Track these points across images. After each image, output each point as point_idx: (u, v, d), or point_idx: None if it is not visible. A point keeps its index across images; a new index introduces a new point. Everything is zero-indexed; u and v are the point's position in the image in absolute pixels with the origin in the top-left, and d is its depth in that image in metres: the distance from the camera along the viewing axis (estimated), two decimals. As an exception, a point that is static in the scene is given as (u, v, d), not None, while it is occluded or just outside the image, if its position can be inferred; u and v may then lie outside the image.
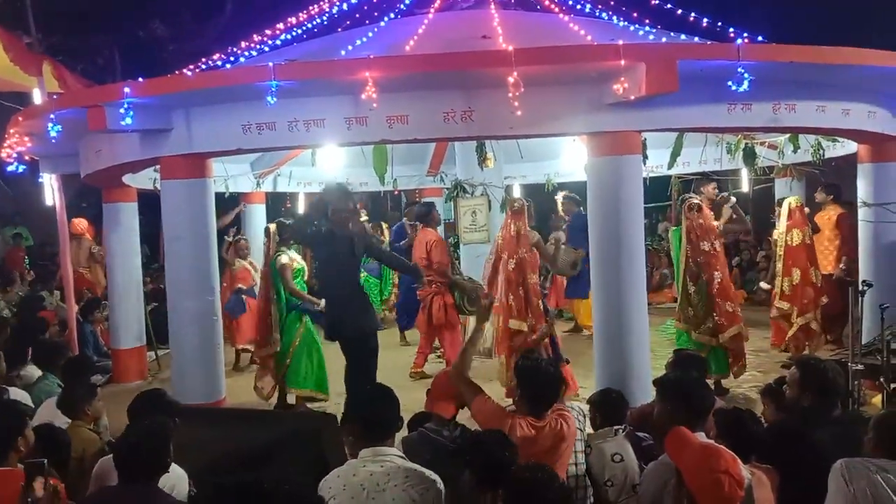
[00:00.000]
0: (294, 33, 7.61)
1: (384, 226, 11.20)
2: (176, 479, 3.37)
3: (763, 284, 7.04)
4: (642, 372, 5.52)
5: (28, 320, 8.15)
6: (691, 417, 3.18)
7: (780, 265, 7.40)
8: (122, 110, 5.34)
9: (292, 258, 6.66)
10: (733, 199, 7.57)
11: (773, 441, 3.29)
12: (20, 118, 6.89)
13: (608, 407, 3.94)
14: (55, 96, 7.73)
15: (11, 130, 7.03)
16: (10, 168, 7.53)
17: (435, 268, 7.25)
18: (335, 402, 6.36)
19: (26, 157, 7.66)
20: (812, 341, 7.38)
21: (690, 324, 6.56)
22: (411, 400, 4.14)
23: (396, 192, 12.38)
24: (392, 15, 7.89)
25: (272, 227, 6.84)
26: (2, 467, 3.17)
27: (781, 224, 7.43)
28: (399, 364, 7.85)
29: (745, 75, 4.97)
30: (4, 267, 12.49)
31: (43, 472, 2.71)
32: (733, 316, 6.42)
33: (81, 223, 10.67)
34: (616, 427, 3.82)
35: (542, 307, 6.36)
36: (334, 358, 6.83)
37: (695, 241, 6.50)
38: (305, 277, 6.86)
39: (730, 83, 5.02)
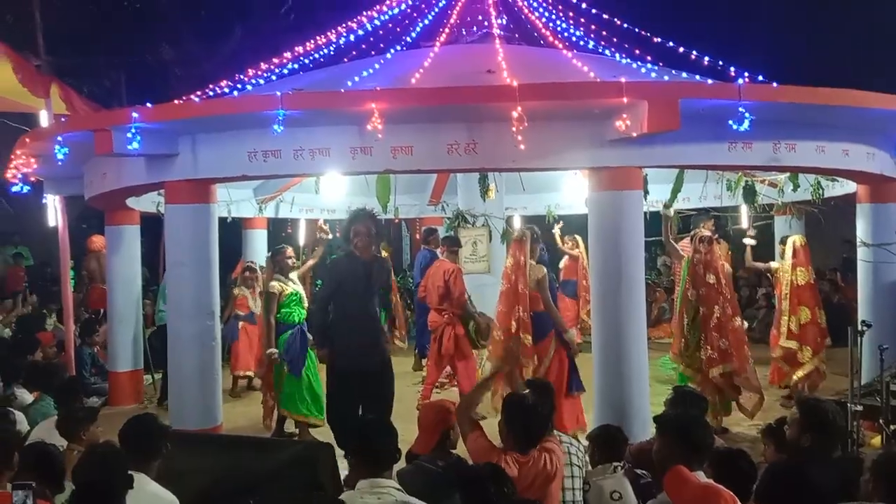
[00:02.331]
0: (300, 62, 7.69)
1: (386, 253, 11.21)
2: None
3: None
4: (641, 408, 5.51)
5: (22, 340, 8.13)
6: (691, 456, 3.18)
7: (785, 304, 7.34)
8: (129, 135, 5.38)
9: (284, 286, 6.55)
10: (752, 241, 7.65)
11: (772, 481, 3.28)
12: (27, 139, 6.95)
13: (607, 443, 3.93)
14: (62, 118, 7.81)
15: (18, 151, 7.08)
16: (15, 188, 7.58)
17: (455, 298, 7.16)
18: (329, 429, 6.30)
19: (32, 178, 7.70)
20: (819, 382, 7.33)
21: (682, 357, 6.57)
22: (415, 431, 4.12)
23: (397, 221, 12.42)
24: (398, 47, 7.99)
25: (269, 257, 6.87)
26: (-4, 490, 3.15)
27: (786, 262, 7.40)
28: (407, 394, 7.82)
29: (746, 115, 5.03)
30: (5, 286, 12.48)
31: (30, 492, 2.69)
32: (725, 354, 6.36)
33: (101, 240, 10.69)
34: (615, 464, 3.81)
35: (528, 343, 6.28)
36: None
37: (701, 273, 6.52)
38: (305, 304, 6.81)
39: (731, 122, 5.08)
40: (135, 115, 5.40)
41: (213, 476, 4.01)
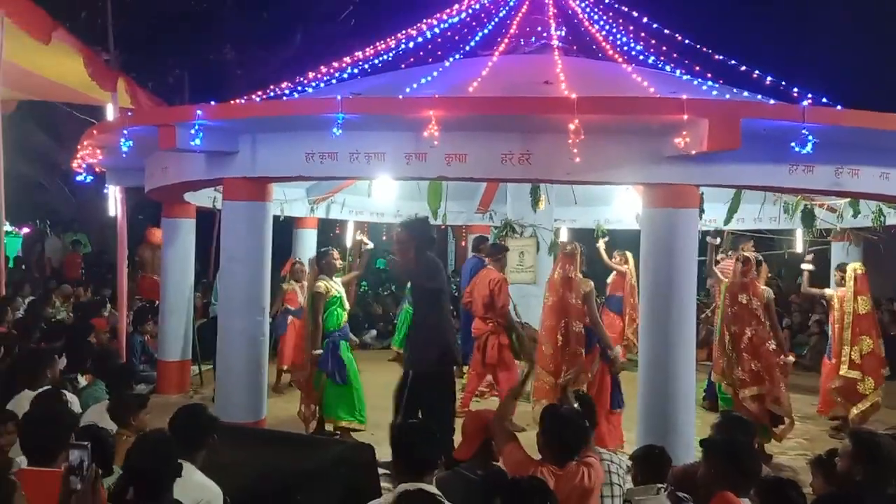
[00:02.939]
0: (360, 67, 7.79)
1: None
2: (212, 496, 3.41)
3: (789, 358, 6.76)
4: (686, 429, 5.42)
5: (78, 325, 8.35)
6: (738, 482, 3.12)
7: (847, 333, 7.15)
8: (192, 131, 5.52)
9: (329, 287, 6.61)
10: (810, 266, 7.51)
11: (821, 514, 3.21)
12: (94, 131, 7.17)
13: (651, 463, 3.87)
14: (128, 112, 8.06)
15: (85, 142, 7.32)
16: (80, 178, 7.85)
17: (498, 309, 7.15)
18: (370, 433, 6.36)
19: (96, 169, 7.96)
20: (873, 413, 7.13)
21: (723, 376, 6.48)
22: (455, 438, 4.13)
23: (443, 227, 12.48)
24: (457, 55, 8.04)
25: (312, 257, 6.95)
26: (46, 468, 3.24)
27: (847, 290, 7.21)
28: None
29: (810, 137, 4.93)
30: (62, 272, 12.89)
31: (87, 451, 2.77)
32: (757, 376, 6.24)
33: (159, 233, 10.99)
34: (658, 485, 3.75)
35: (581, 355, 6.28)
36: (372, 387, 6.89)
37: (734, 292, 6.45)
38: (347, 306, 6.85)
39: (793, 144, 4.98)
40: (199, 112, 5.53)
41: (256, 470, 4.08)
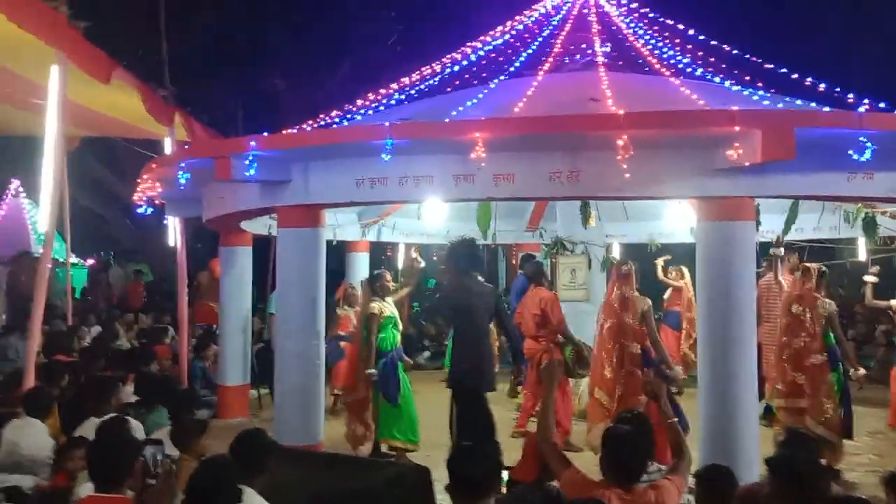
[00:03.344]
0: (406, 93, 7.89)
1: (480, 278, 11.24)
2: (268, 517, 3.46)
3: (860, 371, 6.50)
4: (748, 447, 5.28)
5: (140, 351, 8.58)
6: (804, 502, 3.02)
7: None
8: (246, 162, 5.69)
9: (383, 308, 6.68)
10: (874, 278, 7.30)
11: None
12: (154, 165, 7.43)
13: (716, 485, 3.76)
14: (185, 145, 8.32)
15: (145, 176, 7.58)
16: (140, 210, 8.12)
17: (555, 326, 7.13)
18: (426, 454, 6.36)
19: (156, 201, 8.22)
20: None
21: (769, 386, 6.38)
22: (510, 459, 4.10)
23: (493, 246, 12.48)
24: (502, 77, 8.07)
25: (365, 278, 7.04)
26: (117, 494, 3.33)
27: None
28: (502, 420, 7.79)
29: (868, 144, 4.81)
30: (126, 301, 13.32)
31: (160, 448, 2.85)
32: (796, 388, 6.07)
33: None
34: None
35: (637, 375, 6.18)
36: (428, 407, 6.90)
37: (789, 301, 6.35)
38: (400, 327, 6.92)
39: (850, 152, 4.86)
40: (252, 143, 5.69)
41: (312, 493, 4.12)
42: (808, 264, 6.53)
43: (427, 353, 12.05)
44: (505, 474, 3.93)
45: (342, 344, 8.55)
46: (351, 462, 5.44)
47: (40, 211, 6.89)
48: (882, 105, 6.07)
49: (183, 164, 6.37)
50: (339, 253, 10.38)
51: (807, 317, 6.19)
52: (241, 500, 3.14)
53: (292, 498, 3.87)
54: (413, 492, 4.16)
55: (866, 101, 6.05)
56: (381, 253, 12.13)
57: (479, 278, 6.13)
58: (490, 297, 6.09)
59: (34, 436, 4.89)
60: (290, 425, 6.11)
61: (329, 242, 8.77)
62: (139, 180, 7.77)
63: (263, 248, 10.80)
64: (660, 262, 9.87)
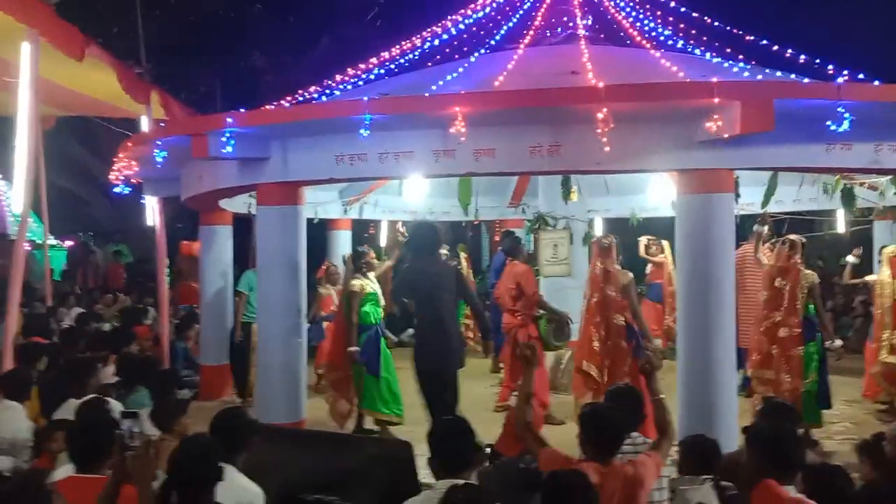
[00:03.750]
0: (387, 67, 7.81)
1: (463, 254, 11.26)
2: (252, 496, 3.45)
3: (836, 342, 6.60)
4: (727, 417, 5.34)
5: (119, 332, 8.50)
6: (782, 470, 3.06)
7: (888, 317, 6.98)
8: (223, 139, 5.61)
9: (364, 285, 6.70)
10: (856, 259, 7.35)
11: (868, 501, 3.13)
12: (129, 143, 7.32)
13: (701, 455, 3.79)
14: (161, 123, 8.20)
15: (121, 155, 7.47)
16: (117, 190, 8.01)
17: (529, 297, 7.13)
18: (409, 429, 6.39)
19: (133, 180, 8.12)
20: None
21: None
22: (493, 433, 4.13)
23: (476, 223, 12.48)
24: (483, 50, 8.01)
25: (347, 255, 7.02)
26: (95, 475, 3.31)
27: (883, 273, 7.06)
28: (485, 395, 7.87)
29: (846, 115, 4.81)
30: (107, 282, 13.20)
31: (137, 420, 2.85)
32: (770, 359, 6.18)
33: (192, 245, 11.20)
34: (705, 477, 3.70)
35: (623, 347, 6.26)
36: (410, 384, 6.92)
37: (773, 275, 6.39)
38: (382, 303, 6.93)
39: (829, 123, 4.87)
40: (229, 120, 5.61)
41: (296, 471, 4.11)
42: (792, 237, 6.55)
43: (410, 331, 12.03)
44: (487, 449, 3.97)
45: (325, 324, 8.55)
46: (333, 439, 5.43)
47: (14, 192, 6.77)
48: (861, 76, 6.09)
49: (160, 143, 6.28)
50: (320, 231, 10.32)
51: (786, 290, 6.24)
52: (223, 479, 3.13)
53: (275, 476, 3.86)
54: (396, 467, 4.16)
55: (845, 72, 6.06)
56: (363, 230, 12.07)
57: (440, 258, 6.12)
58: (451, 275, 6.01)
59: (13, 419, 4.85)
60: (272, 403, 6.11)
61: (310, 221, 8.74)
62: (115, 159, 7.66)
63: (245, 227, 10.73)
64: (642, 240, 9.91)
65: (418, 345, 5.97)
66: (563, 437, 5.85)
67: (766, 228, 6.97)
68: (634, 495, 3.38)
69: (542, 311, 7.12)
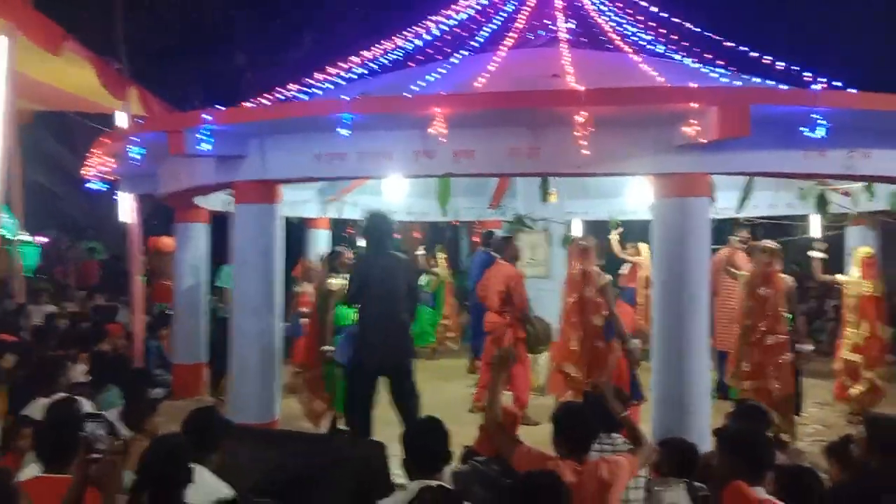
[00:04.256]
0: (368, 67, 7.78)
1: (442, 255, 11.25)
2: (222, 496, 3.42)
3: (807, 346, 6.72)
4: (701, 419, 5.37)
5: (91, 330, 8.39)
6: (752, 472, 3.09)
7: (853, 316, 7.14)
8: (201, 136, 5.56)
9: (340, 285, 6.67)
10: (821, 254, 7.43)
11: (837, 502, 3.17)
12: (106, 139, 7.23)
13: (680, 458, 3.82)
14: (139, 120, 8.12)
15: (97, 151, 7.38)
16: (91, 185, 7.91)
17: (517, 305, 7.11)
18: (381, 430, 6.35)
19: (110, 177, 8.02)
20: (877, 399, 7.08)
21: (729, 367, 6.47)
22: (469, 434, 4.12)
23: (455, 223, 12.49)
24: (464, 52, 8.00)
25: (323, 254, 6.99)
26: (62, 475, 3.26)
27: (853, 273, 7.20)
28: (461, 396, 7.87)
29: (821, 122, 4.87)
30: (80, 279, 13.02)
31: (102, 424, 2.82)
32: (761, 369, 6.18)
33: (171, 242, 11.07)
34: (683, 480, 3.73)
35: (601, 348, 6.29)
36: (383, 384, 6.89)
37: (757, 284, 6.34)
38: None
39: (804, 129, 4.92)
40: (206, 117, 5.56)
41: (267, 470, 4.09)
42: (769, 244, 6.60)
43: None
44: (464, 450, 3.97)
45: (302, 321, 8.49)
46: (306, 439, 5.42)
47: (-13, 186, 6.67)
48: (837, 84, 6.17)
49: (136, 139, 6.21)
50: (299, 230, 10.27)
51: (770, 297, 6.27)
52: (193, 480, 3.10)
53: (247, 476, 3.84)
54: (369, 467, 4.15)
55: (822, 79, 6.14)
56: (341, 230, 12.02)
57: (393, 250, 6.02)
58: (402, 270, 5.91)
59: (-19, 416, 4.78)
60: (246, 403, 6.05)
61: (289, 220, 8.69)
62: (90, 155, 7.57)
63: (221, 225, 10.64)
64: (614, 235, 9.95)
65: (358, 337, 5.89)
66: (540, 438, 5.91)
67: (737, 239, 7.04)
68: (607, 494, 3.40)
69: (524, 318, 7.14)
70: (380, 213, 6.13)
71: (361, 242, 6.10)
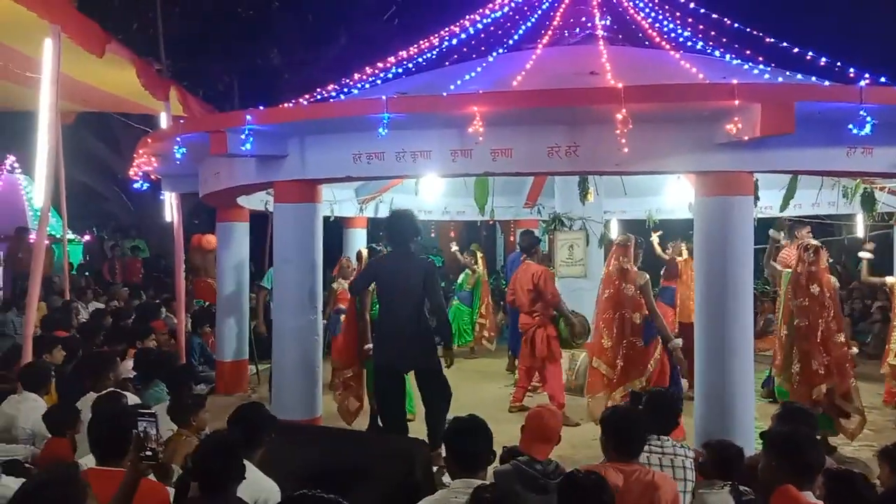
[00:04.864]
0: (404, 66, 7.82)
1: (479, 253, 11.25)
2: (268, 492, 3.47)
3: (853, 349, 6.54)
4: (745, 420, 5.31)
5: (137, 327, 8.55)
6: (800, 476, 3.05)
7: None
8: (242, 136, 5.62)
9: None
10: (869, 254, 7.26)
11: (889, 508, 3.10)
12: (149, 140, 7.37)
13: (727, 461, 3.76)
14: (180, 120, 8.25)
15: (140, 151, 7.52)
16: (136, 185, 8.08)
17: (549, 299, 7.12)
18: (422, 426, 6.37)
19: (152, 177, 8.17)
20: None
21: (781, 371, 6.29)
22: (508, 433, 4.12)
23: (491, 223, 12.48)
24: (501, 50, 7.99)
25: (363, 251, 7.02)
26: (116, 468, 3.33)
27: None
28: (499, 396, 7.88)
29: (868, 118, 4.77)
30: (124, 277, 13.29)
31: (154, 421, 2.91)
32: (829, 370, 5.98)
33: (206, 238, 11.27)
34: (726, 483, 3.68)
35: (639, 346, 6.26)
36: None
37: (804, 283, 6.20)
38: None
39: (850, 126, 4.82)
40: (248, 117, 5.63)
41: (312, 467, 4.14)
42: (814, 242, 6.46)
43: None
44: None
45: (342, 317, 8.55)
46: (350, 437, 5.46)
47: (35, 186, 6.84)
48: (882, 80, 6.02)
49: (178, 139, 6.31)
50: (336, 229, 10.35)
51: (825, 295, 6.12)
52: (245, 478, 3.15)
53: (291, 472, 3.89)
54: (412, 466, 4.18)
55: (867, 75, 6.00)
56: (378, 229, 12.10)
57: (414, 252, 6.03)
58: (417, 271, 5.81)
59: (32, 410, 4.91)
60: (288, 400, 6.13)
61: (326, 219, 8.76)
62: (134, 155, 7.72)
63: (262, 224, 10.78)
64: (654, 238, 9.86)
65: (375, 336, 6.13)
66: (579, 439, 5.89)
67: (782, 235, 6.88)
68: (653, 497, 3.37)
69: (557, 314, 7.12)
70: (400, 212, 6.17)
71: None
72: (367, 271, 6.17)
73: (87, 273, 13.56)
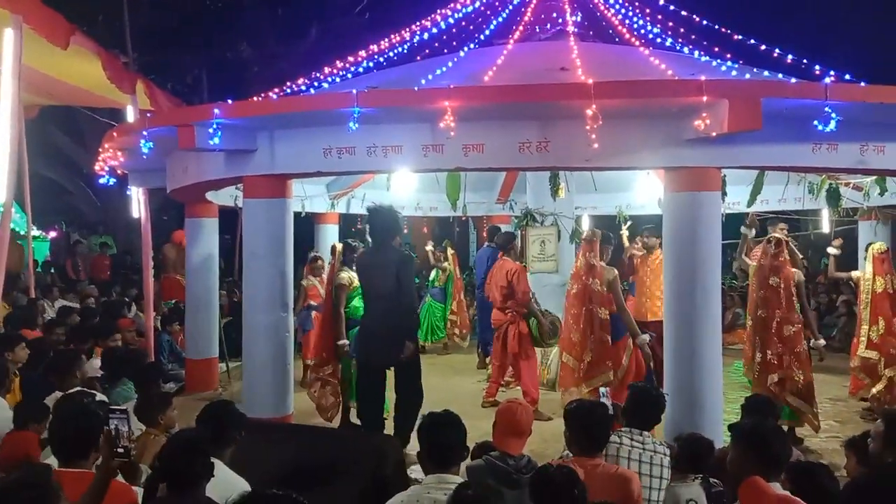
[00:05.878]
0: (376, 61, 7.77)
1: (450, 250, 11.25)
2: (238, 491, 3.42)
3: (820, 342, 6.70)
4: (714, 415, 5.38)
5: (101, 325, 8.40)
6: (767, 467, 3.08)
7: (865, 313, 7.07)
8: (210, 130, 5.55)
9: (353, 278, 6.65)
10: (836, 251, 7.37)
11: (851, 498, 3.15)
12: (114, 134, 7.23)
13: (697, 455, 3.80)
14: (147, 113, 8.12)
15: (106, 145, 7.39)
16: (102, 181, 7.93)
17: (520, 297, 7.14)
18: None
19: (118, 171, 8.03)
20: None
21: (747, 360, 6.42)
22: (480, 429, 4.12)
23: (464, 218, 12.49)
24: (472, 45, 7.99)
25: (338, 246, 6.99)
26: (81, 469, 3.27)
27: (867, 270, 7.13)
28: (472, 391, 7.88)
29: (833, 115, 4.85)
30: (91, 273, 13.06)
31: (125, 419, 2.86)
32: (781, 360, 6.11)
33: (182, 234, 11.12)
34: (697, 476, 3.72)
35: (607, 342, 6.29)
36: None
37: (765, 275, 6.30)
38: None
39: (816, 123, 4.90)
40: (216, 111, 5.55)
41: (283, 465, 4.10)
42: (779, 236, 6.57)
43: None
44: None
45: (313, 314, 8.51)
46: (322, 434, 5.41)
47: (-3, 181, 6.68)
48: (847, 77, 6.13)
49: (145, 133, 6.21)
50: (308, 225, 10.28)
51: (781, 288, 6.24)
52: (213, 476, 3.11)
53: (262, 470, 3.85)
54: (384, 462, 4.16)
55: (832, 72, 6.10)
56: (350, 225, 12.04)
57: (393, 246, 6.08)
58: (392, 264, 5.82)
59: (-5, 410, 4.79)
60: (259, 398, 6.06)
61: (297, 214, 8.69)
62: (100, 149, 7.58)
63: (231, 220, 10.67)
64: (624, 231, 9.94)
65: (358, 331, 6.19)
66: (550, 434, 5.91)
67: (753, 231, 6.98)
68: (626, 489, 3.39)
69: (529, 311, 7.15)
70: (379, 207, 6.19)
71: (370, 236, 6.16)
72: (357, 269, 6.35)
73: (52, 270, 13.30)
